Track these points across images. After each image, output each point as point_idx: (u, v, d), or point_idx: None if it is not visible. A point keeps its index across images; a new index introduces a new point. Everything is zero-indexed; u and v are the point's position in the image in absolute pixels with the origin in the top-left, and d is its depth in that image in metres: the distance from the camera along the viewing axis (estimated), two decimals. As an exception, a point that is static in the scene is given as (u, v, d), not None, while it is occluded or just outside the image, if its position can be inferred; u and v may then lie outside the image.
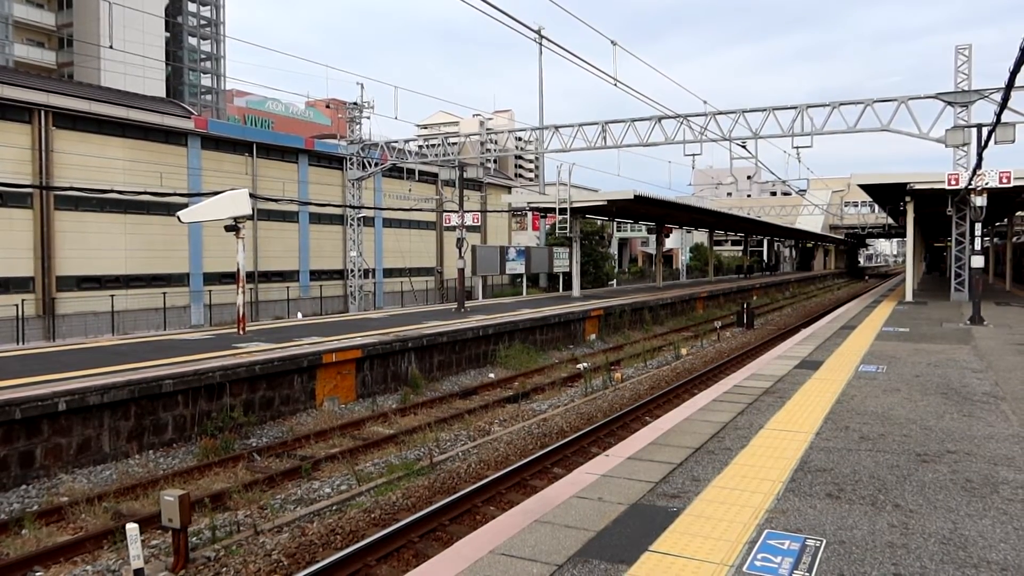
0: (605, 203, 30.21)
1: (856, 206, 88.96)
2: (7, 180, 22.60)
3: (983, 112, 35.77)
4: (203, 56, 73.51)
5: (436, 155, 32.01)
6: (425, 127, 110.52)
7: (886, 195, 29.66)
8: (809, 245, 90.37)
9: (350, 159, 34.00)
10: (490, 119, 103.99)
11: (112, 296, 26.97)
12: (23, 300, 24.71)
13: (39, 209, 26.73)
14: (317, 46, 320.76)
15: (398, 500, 8.93)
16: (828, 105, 24.20)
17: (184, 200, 26.42)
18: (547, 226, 44.95)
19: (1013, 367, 11.02)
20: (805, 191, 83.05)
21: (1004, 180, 18.73)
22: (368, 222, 39.45)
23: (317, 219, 38.20)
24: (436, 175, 43.94)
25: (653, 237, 54.26)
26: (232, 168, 33.32)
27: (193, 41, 72.27)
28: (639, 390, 16.02)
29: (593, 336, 24.38)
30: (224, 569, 7.12)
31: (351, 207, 33.51)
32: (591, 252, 47.10)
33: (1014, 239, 40.42)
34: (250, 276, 32.90)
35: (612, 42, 23.15)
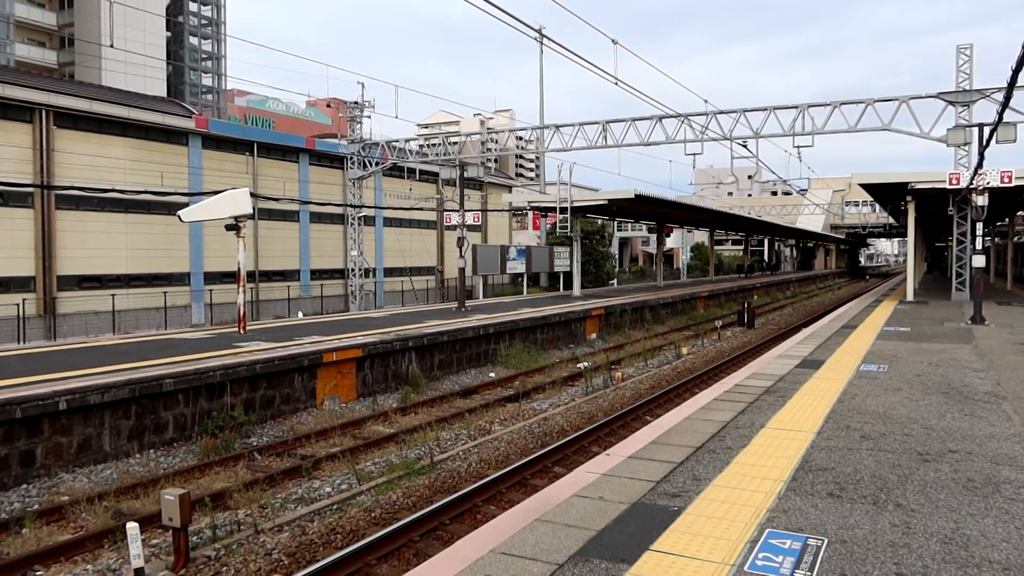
0: (606, 202, 30.20)
1: (857, 206, 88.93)
2: (8, 179, 22.61)
3: (985, 111, 35.72)
4: (204, 55, 73.52)
5: (437, 154, 32.02)
6: (426, 126, 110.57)
7: (887, 195, 29.64)
8: (810, 245, 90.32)
9: (351, 158, 34.00)
10: (491, 118, 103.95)
11: (113, 295, 26.97)
12: (24, 299, 24.70)
13: (40, 208, 26.73)
14: (318, 45, 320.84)
15: (399, 499, 8.93)
16: (829, 105, 24.19)
17: (185, 199, 26.43)
18: (548, 225, 44.90)
19: (1014, 366, 11.00)
20: (806, 191, 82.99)
21: (1005, 179, 18.69)
22: (369, 221, 39.44)
23: (318, 218, 38.20)
24: (437, 174, 44.06)
25: (654, 236, 54.24)
26: (233, 167, 33.31)
27: (194, 40, 72.27)
28: (640, 389, 16.01)
29: (594, 335, 24.37)
30: (224, 568, 7.12)
31: (352, 206, 33.51)
32: (592, 251, 47.08)
33: (1015, 239, 40.37)
34: (251, 275, 32.89)
35: (613, 41, 23.16)
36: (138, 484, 9.53)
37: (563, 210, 29.34)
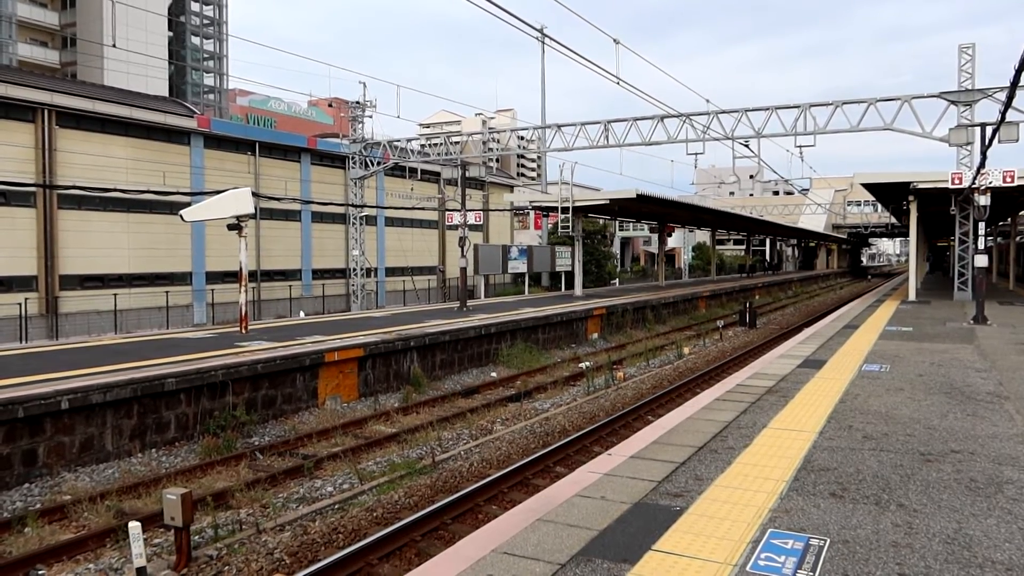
0: (607, 202, 30.19)
1: (859, 205, 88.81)
2: (11, 179, 22.63)
3: (987, 111, 35.69)
4: (206, 55, 73.56)
5: (438, 154, 32.01)
6: (427, 126, 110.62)
7: (889, 194, 29.60)
8: (812, 244, 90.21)
9: (352, 158, 34.01)
10: (492, 118, 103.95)
11: (115, 295, 26.99)
12: (26, 299, 24.72)
13: (42, 208, 26.77)
14: (318, 45, 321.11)
15: (400, 499, 8.93)
16: (831, 104, 24.15)
17: (187, 199, 26.45)
18: (549, 225, 44.93)
19: (1017, 366, 10.98)
20: (808, 190, 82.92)
21: (1008, 179, 18.63)
22: (370, 221, 39.45)
23: (319, 218, 38.22)
24: (438, 174, 44.07)
25: (655, 236, 54.22)
26: (235, 167, 33.34)
27: (196, 40, 72.32)
28: (641, 389, 16.00)
29: (595, 335, 24.35)
30: (226, 567, 7.12)
31: (353, 206, 33.52)
32: (593, 251, 47.05)
33: (1017, 238, 40.31)
34: (252, 275, 32.92)
35: (615, 40, 23.14)
36: (140, 483, 9.54)
37: (565, 210, 29.33)
